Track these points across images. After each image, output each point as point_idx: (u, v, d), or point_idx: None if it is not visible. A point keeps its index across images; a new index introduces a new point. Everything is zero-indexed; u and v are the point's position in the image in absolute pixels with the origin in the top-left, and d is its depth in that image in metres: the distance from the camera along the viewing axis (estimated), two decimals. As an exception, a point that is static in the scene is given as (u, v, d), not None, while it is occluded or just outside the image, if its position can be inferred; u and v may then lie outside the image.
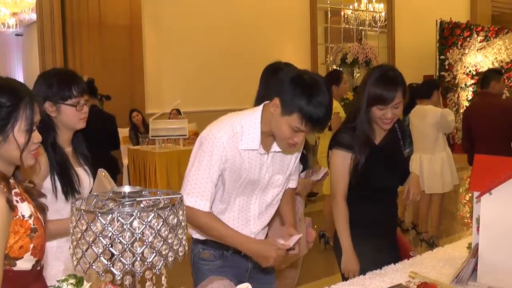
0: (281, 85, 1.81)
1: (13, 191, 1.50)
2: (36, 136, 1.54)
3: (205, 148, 1.87)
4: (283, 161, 2.04)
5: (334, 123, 4.92)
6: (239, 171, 1.91)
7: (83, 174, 2.14)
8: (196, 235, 2.06)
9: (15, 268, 1.51)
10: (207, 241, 2.02)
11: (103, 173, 2.16)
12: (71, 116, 2.06)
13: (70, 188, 2.04)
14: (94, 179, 2.19)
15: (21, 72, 12.99)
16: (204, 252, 2.04)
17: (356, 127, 2.26)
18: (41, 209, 1.64)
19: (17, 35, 11.98)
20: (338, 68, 10.07)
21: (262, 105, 1.93)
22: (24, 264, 1.52)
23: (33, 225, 1.53)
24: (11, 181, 1.53)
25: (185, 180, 1.91)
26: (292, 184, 2.21)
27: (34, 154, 1.55)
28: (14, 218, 1.48)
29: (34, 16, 9.13)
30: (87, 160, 2.21)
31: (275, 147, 1.96)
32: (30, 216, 1.52)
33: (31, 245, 1.52)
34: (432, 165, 5.12)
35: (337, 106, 4.98)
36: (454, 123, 5.24)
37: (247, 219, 2.02)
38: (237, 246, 1.94)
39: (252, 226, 2.04)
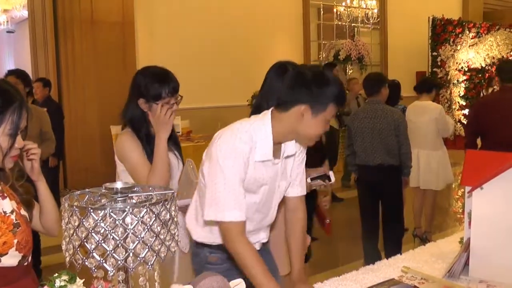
0: (298, 94, 1.77)
1: None
2: (19, 142, 1.54)
3: (228, 161, 1.75)
4: (286, 167, 1.97)
5: None
6: (254, 182, 1.85)
7: (172, 159, 2.37)
8: (201, 239, 2.00)
9: (0, 265, 1.50)
10: (212, 245, 1.97)
11: (191, 164, 2.39)
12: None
13: None
14: (182, 163, 2.45)
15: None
16: (212, 256, 1.98)
17: None
18: (27, 205, 1.65)
19: (8, 32, 11.89)
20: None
21: (269, 113, 1.85)
22: (10, 260, 1.52)
23: (16, 220, 1.53)
24: None
25: (212, 199, 1.77)
26: (303, 190, 2.07)
27: (14, 158, 1.55)
28: None
29: (25, 13, 9.08)
30: (176, 146, 2.47)
31: (283, 154, 1.90)
32: (12, 212, 1.53)
33: (15, 241, 1.52)
34: (429, 161, 5.14)
35: None
36: (453, 127, 5.23)
37: (260, 227, 1.99)
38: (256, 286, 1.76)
39: (263, 235, 2.02)
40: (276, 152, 1.87)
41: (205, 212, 1.80)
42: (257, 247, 2.00)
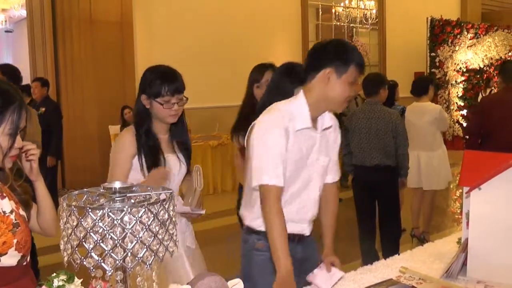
0: (323, 60, 1.98)
1: None
2: (18, 142, 1.55)
3: (269, 134, 1.96)
4: (328, 141, 2.15)
5: None
6: (296, 152, 2.01)
7: (172, 160, 2.36)
8: (252, 225, 2.13)
9: None
10: (261, 231, 2.08)
11: (197, 171, 2.39)
12: (160, 111, 2.29)
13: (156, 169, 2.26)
14: (188, 169, 2.44)
15: (11, 69, 12.84)
16: (259, 243, 2.10)
17: None
18: (25, 205, 1.65)
19: (7, 31, 11.89)
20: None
21: (302, 91, 2.04)
22: (9, 260, 1.52)
23: (15, 220, 1.53)
24: None
25: (256, 169, 1.96)
26: (336, 177, 2.26)
27: (13, 157, 1.56)
28: None
29: (24, 13, 9.07)
30: (184, 149, 2.43)
31: (321, 126, 2.09)
32: (11, 212, 1.53)
33: (15, 240, 1.52)
34: (430, 162, 5.13)
35: None
36: (448, 121, 5.30)
37: (304, 205, 2.11)
38: (274, 257, 1.91)
39: (309, 212, 2.14)
40: (314, 126, 2.07)
41: (252, 182, 1.97)
42: (307, 231, 2.18)
